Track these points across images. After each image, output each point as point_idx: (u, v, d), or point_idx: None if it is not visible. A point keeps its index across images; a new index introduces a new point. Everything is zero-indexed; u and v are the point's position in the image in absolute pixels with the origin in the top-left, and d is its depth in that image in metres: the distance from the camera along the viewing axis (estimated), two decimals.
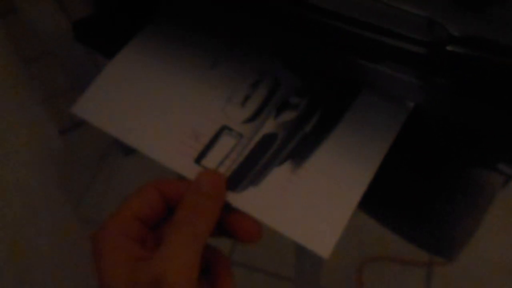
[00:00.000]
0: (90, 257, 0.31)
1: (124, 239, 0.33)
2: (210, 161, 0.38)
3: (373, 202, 0.40)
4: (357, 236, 1.16)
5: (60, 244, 0.24)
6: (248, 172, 0.37)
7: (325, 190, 0.36)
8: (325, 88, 0.40)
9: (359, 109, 0.39)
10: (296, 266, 0.88)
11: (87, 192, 1.31)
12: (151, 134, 0.39)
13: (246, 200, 0.36)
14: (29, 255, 0.21)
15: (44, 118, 0.27)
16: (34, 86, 0.27)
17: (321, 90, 0.40)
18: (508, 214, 1.17)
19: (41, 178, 0.23)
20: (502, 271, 1.11)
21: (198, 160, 0.38)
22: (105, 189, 1.31)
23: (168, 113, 0.40)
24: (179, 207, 0.34)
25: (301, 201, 0.35)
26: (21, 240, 0.21)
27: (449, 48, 0.27)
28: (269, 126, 0.39)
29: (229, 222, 0.35)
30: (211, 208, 0.34)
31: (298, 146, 0.37)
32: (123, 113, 0.40)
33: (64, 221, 0.26)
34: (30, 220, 0.21)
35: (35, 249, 0.21)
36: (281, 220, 0.35)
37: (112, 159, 1.36)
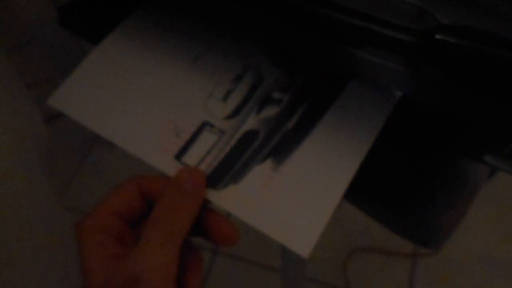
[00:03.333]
0: (75, 247, 0.30)
1: (102, 236, 0.33)
2: (191, 157, 0.37)
3: (360, 193, 0.41)
4: (343, 227, 1.17)
5: (44, 234, 0.24)
6: (229, 169, 0.36)
7: (306, 189, 0.35)
8: (309, 83, 0.39)
9: (343, 104, 0.38)
10: (282, 257, 0.88)
11: (72, 181, 1.30)
12: (131, 129, 0.38)
13: (226, 198, 0.35)
14: (11, 245, 0.20)
15: (29, 105, 0.26)
16: (19, 73, 0.27)
17: (305, 84, 0.39)
18: (492, 206, 1.18)
19: (25, 167, 0.23)
20: (485, 263, 1.13)
21: (179, 156, 0.37)
22: (91, 178, 1.30)
23: (148, 107, 0.39)
24: (157, 204, 0.33)
25: (282, 200, 0.35)
26: (2, 229, 0.20)
27: (438, 36, 0.27)
28: (251, 122, 0.38)
29: (207, 224, 0.35)
30: (190, 205, 0.33)
31: (280, 143, 0.37)
32: (102, 106, 0.39)
33: (48, 211, 0.25)
34: (12, 209, 0.21)
35: (17, 239, 0.21)
36: (261, 218, 0.34)
37: (98, 148, 1.35)
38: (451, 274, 1.12)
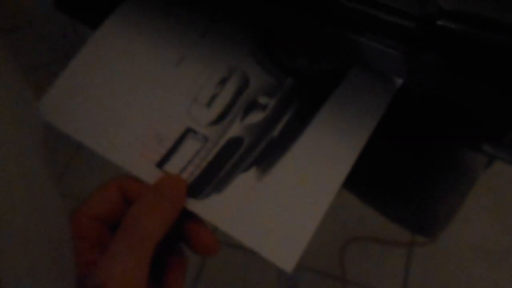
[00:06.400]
0: (70, 234, 0.30)
1: (79, 243, 0.32)
2: (173, 166, 0.36)
3: (358, 181, 0.40)
4: (340, 217, 1.17)
5: (38, 220, 0.23)
6: (211, 178, 0.35)
7: (291, 200, 0.34)
8: (296, 87, 0.38)
9: (332, 107, 0.37)
10: None
11: (69, 168, 1.30)
12: (111, 136, 0.37)
13: (208, 208, 0.34)
14: (2, 231, 0.20)
15: (25, 91, 0.26)
16: (15, 57, 0.26)
17: (292, 88, 0.38)
18: (489, 197, 1.19)
19: (20, 152, 0.22)
20: (481, 252, 1.13)
21: (160, 164, 0.36)
22: (87, 165, 1.30)
23: (130, 114, 0.38)
24: (130, 208, 0.32)
25: (265, 211, 0.34)
26: None
27: (439, 22, 0.26)
28: (235, 129, 0.37)
29: (187, 232, 0.34)
30: (164, 210, 0.32)
31: (265, 152, 0.36)
32: (82, 113, 0.38)
33: (44, 198, 0.25)
34: (5, 195, 0.20)
35: (9, 224, 0.20)
36: (243, 230, 0.34)
37: None
38: (447, 264, 1.12)
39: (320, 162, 0.35)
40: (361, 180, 0.42)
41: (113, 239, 0.31)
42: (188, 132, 0.37)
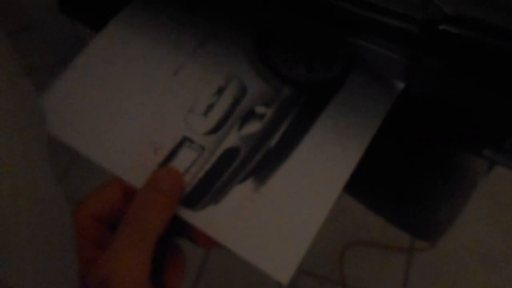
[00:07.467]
0: (73, 235, 0.30)
1: (80, 241, 0.32)
2: None
3: (359, 185, 0.40)
4: (339, 221, 1.17)
5: (43, 221, 0.23)
6: (208, 189, 0.35)
7: (288, 211, 0.34)
8: (293, 96, 0.38)
9: (330, 116, 0.37)
10: None
11: (69, 171, 1.30)
12: (107, 143, 0.37)
13: (205, 219, 0.34)
14: (7, 233, 0.20)
15: (28, 93, 0.26)
16: (19, 59, 0.26)
17: (289, 98, 0.38)
18: (489, 202, 1.19)
19: (24, 154, 0.22)
20: (481, 258, 1.13)
21: None
22: (87, 168, 1.30)
23: (127, 122, 0.38)
24: (130, 204, 0.33)
25: (262, 223, 0.34)
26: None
27: (442, 27, 0.26)
28: (232, 139, 0.37)
29: (190, 226, 0.34)
30: (163, 204, 0.33)
31: (262, 162, 0.36)
32: (79, 121, 0.38)
33: (47, 198, 0.25)
34: (10, 197, 0.21)
35: (14, 226, 0.20)
36: (240, 242, 0.33)
37: None
38: (447, 269, 1.12)
39: (318, 173, 0.35)
40: (362, 184, 0.42)
41: (115, 236, 0.31)
42: (184, 141, 0.37)
